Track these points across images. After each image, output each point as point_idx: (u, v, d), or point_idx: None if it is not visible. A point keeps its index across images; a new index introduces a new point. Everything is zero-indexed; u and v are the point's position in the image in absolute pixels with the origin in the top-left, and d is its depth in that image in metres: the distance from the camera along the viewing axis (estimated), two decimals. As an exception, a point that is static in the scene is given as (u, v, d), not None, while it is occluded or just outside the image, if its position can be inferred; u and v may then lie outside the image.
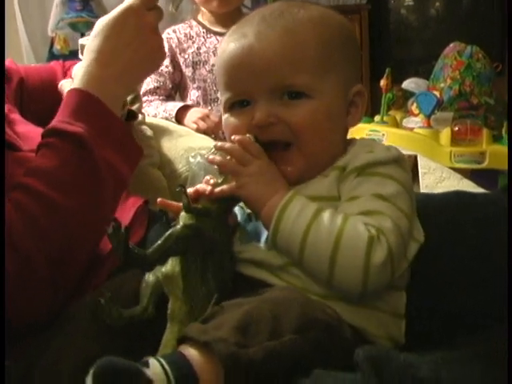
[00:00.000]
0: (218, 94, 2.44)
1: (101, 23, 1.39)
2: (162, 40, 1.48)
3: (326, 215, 1.04)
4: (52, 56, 4.85)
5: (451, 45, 3.29)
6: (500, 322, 1.11)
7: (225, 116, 1.18)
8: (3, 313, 1.09)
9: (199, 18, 2.55)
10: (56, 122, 1.30)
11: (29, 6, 5.06)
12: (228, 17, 2.50)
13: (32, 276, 1.17)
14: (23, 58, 5.05)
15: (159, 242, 1.05)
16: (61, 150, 1.25)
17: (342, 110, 1.16)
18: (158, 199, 1.20)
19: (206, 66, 2.49)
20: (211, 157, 1.14)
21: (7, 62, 1.85)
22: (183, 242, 1.06)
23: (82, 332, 1.06)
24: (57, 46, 4.78)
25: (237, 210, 1.17)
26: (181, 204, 1.11)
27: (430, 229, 1.15)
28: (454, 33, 5.25)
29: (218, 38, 2.52)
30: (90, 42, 1.39)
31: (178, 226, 1.06)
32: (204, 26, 2.54)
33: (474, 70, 3.13)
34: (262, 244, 1.11)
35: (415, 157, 1.64)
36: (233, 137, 1.11)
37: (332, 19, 1.19)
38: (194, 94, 2.50)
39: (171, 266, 1.06)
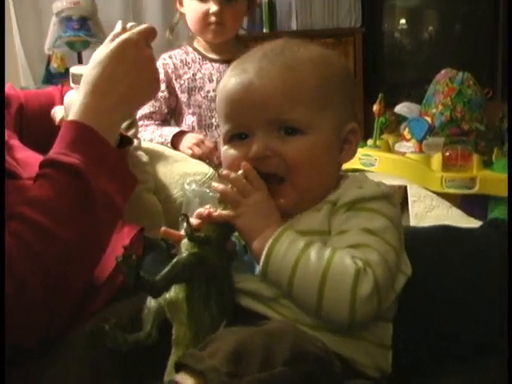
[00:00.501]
0: (213, 120, 2.48)
1: (99, 54, 1.41)
2: (158, 71, 1.49)
3: (314, 250, 1.06)
4: (49, 74, 4.88)
5: (443, 71, 3.31)
6: (490, 353, 1.15)
7: (224, 147, 1.20)
8: (3, 316, 1.11)
9: (195, 44, 2.56)
10: (53, 153, 1.32)
11: (26, 24, 5.08)
12: (223, 45, 2.53)
13: (27, 299, 1.17)
14: (20, 75, 5.07)
15: (166, 269, 1.06)
16: (57, 180, 1.27)
17: (335, 146, 1.18)
18: (162, 228, 1.20)
19: (202, 92, 2.51)
20: (215, 184, 1.16)
21: (7, 88, 1.86)
22: (189, 269, 1.08)
23: (79, 360, 1.10)
24: (53, 64, 4.81)
25: (235, 239, 1.18)
26: (182, 233, 1.13)
27: (417, 262, 1.17)
28: (447, 57, 5.32)
29: (213, 64, 2.53)
30: (87, 73, 1.41)
31: (184, 255, 1.08)
32: (200, 53, 2.55)
33: (465, 96, 3.15)
34: (255, 275, 1.13)
35: (405, 187, 1.67)
36: (243, 163, 1.13)
37: (331, 60, 1.22)
38: (189, 119, 2.51)
39: (175, 292, 1.08)
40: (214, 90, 2.49)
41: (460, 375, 1.10)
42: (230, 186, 1.14)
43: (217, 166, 2.21)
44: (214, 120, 2.49)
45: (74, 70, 1.53)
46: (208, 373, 0.91)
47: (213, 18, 2.44)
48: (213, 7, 2.42)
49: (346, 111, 1.20)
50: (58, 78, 4.88)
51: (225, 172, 1.16)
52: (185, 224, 1.12)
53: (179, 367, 0.96)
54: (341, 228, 1.11)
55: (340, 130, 1.18)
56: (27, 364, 1.16)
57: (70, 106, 1.42)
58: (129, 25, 1.47)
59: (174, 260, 1.08)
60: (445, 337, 1.21)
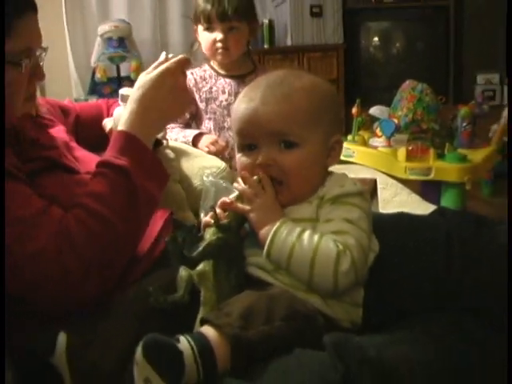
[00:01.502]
0: (225, 124, 2.47)
1: (143, 78, 1.42)
2: (189, 95, 1.52)
3: (306, 235, 1.11)
4: (94, 83, 4.92)
5: (407, 82, 3.30)
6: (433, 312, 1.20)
7: (238, 155, 1.23)
8: (3, 311, 1.11)
9: (211, 63, 2.56)
10: (107, 156, 1.34)
11: (77, 44, 5.11)
12: (232, 64, 2.52)
13: (88, 274, 1.21)
14: (71, 83, 5.09)
15: (200, 248, 1.13)
16: (111, 178, 1.30)
17: (323, 154, 1.21)
18: (204, 220, 1.22)
19: (216, 102, 2.50)
20: (236, 184, 1.21)
21: (67, 102, 1.89)
22: (217, 249, 1.13)
23: (126, 313, 1.13)
24: (98, 75, 4.83)
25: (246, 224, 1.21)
26: (207, 219, 1.19)
27: (382, 243, 1.22)
28: (410, 68, 5.35)
29: (225, 79, 2.53)
30: (133, 94, 1.41)
31: (212, 238, 1.14)
32: (215, 70, 2.55)
33: (423, 102, 3.15)
34: (261, 251, 1.15)
35: (375, 180, 1.70)
36: (258, 174, 1.17)
37: (320, 88, 1.23)
38: (207, 123, 2.51)
39: (203, 266, 1.13)
40: (226, 100, 2.50)
41: (409, 329, 1.14)
42: (247, 186, 1.18)
43: (227, 160, 2.22)
44: (225, 124, 2.48)
45: (123, 91, 1.53)
46: (224, 326, 0.98)
47: (219, 44, 2.42)
48: (218, 35, 2.40)
49: (332, 126, 1.22)
50: (101, 85, 4.92)
51: (245, 175, 1.19)
52: (211, 213, 1.17)
53: (203, 322, 1.02)
54: (326, 217, 1.15)
55: (327, 141, 1.20)
56: (83, 319, 1.17)
57: (119, 119, 1.44)
58: (170, 55, 1.48)
59: (206, 242, 1.13)
60: (402, 301, 1.23)
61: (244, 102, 1.21)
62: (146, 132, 1.39)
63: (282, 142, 1.17)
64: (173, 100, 1.43)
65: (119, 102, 1.61)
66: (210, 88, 2.51)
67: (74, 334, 1.08)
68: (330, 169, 1.25)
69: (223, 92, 2.51)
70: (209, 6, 2.39)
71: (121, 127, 1.39)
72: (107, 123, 1.71)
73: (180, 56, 1.47)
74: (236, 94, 2.47)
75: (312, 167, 1.19)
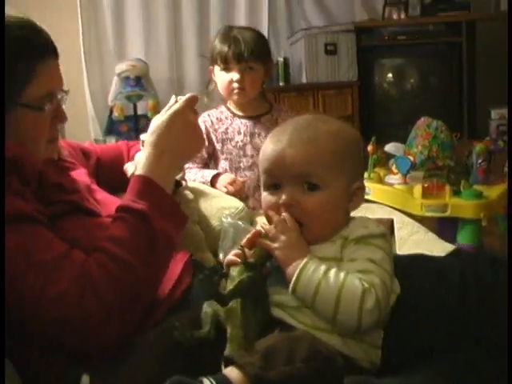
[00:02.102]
0: (241, 164, 2.51)
1: (156, 122, 1.45)
2: (201, 131, 1.52)
3: (332, 273, 1.12)
4: (111, 121, 4.97)
5: (422, 119, 3.28)
6: (449, 352, 1.21)
7: (263, 194, 1.25)
8: (3, 315, 1.12)
9: (228, 104, 2.59)
10: (126, 200, 1.36)
11: (95, 83, 5.18)
12: (248, 104, 2.56)
13: (110, 318, 1.21)
14: (89, 122, 5.15)
15: (231, 287, 1.14)
16: (130, 222, 1.31)
17: (345, 199, 1.22)
18: (227, 258, 1.24)
19: (232, 143, 2.53)
20: (262, 224, 1.23)
21: (88, 144, 1.92)
22: (247, 287, 1.14)
23: (152, 356, 1.13)
24: (115, 113, 4.89)
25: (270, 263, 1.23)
26: (235, 258, 1.20)
27: (399, 284, 1.23)
28: (424, 103, 5.35)
29: (241, 120, 2.56)
30: (148, 138, 1.44)
31: (244, 276, 1.15)
32: (231, 111, 2.58)
33: (438, 139, 3.13)
34: (283, 289, 1.17)
35: (392, 220, 1.71)
36: (283, 214, 1.19)
37: (346, 132, 1.25)
38: (223, 163, 2.53)
39: (232, 303, 1.14)
40: (241, 141, 2.53)
41: (428, 371, 1.15)
42: (272, 224, 1.20)
43: (244, 200, 2.26)
44: (241, 164, 2.51)
45: (144, 137, 1.55)
46: (247, 366, 0.99)
47: (235, 85, 2.46)
48: (235, 76, 2.45)
49: (355, 172, 1.24)
50: (118, 124, 4.98)
51: (271, 213, 1.21)
52: (237, 251, 1.21)
53: (226, 361, 1.04)
54: (351, 257, 1.17)
55: (350, 186, 1.22)
56: (105, 362, 1.18)
57: (139, 163, 1.46)
58: (179, 97, 1.49)
59: (237, 280, 1.15)
60: (421, 342, 1.24)
61: (272, 143, 1.23)
62: (164, 174, 1.41)
63: (305, 183, 1.19)
64: (186, 139, 1.45)
65: (140, 147, 1.64)
66: (226, 129, 2.55)
67: (96, 376, 1.08)
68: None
69: (239, 133, 2.54)
70: (226, 48, 2.44)
71: (138, 171, 1.41)
72: (129, 168, 1.73)
73: (188, 95, 1.49)
74: (251, 135, 2.52)
75: (333, 211, 1.21)
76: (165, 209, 1.37)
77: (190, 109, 1.48)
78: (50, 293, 1.18)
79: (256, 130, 2.54)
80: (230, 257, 1.23)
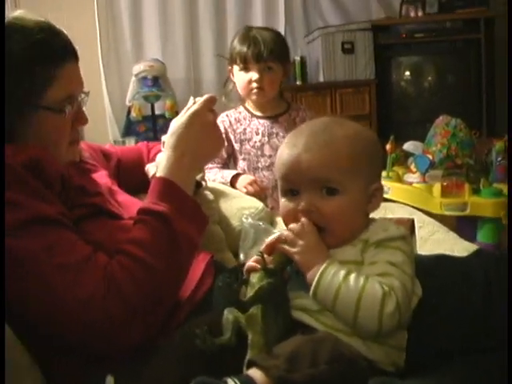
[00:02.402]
0: (259, 164, 2.53)
1: (175, 124, 1.46)
2: (220, 132, 1.53)
3: (352, 277, 1.11)
4: (129, 121, 4.99)
5: (440, 117, 3.28)
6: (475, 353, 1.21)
7: (281, 200, 1.24)
8: (3, 314, 1.11)
9: (246, 105, 2.61)
10: (147, 202, 1.37)
11: (112, 84, 5.19)
12: (266, 104, 2.58)
13: (133, 320, 1.22)
14: (107, 122, 5.17)
15: (251, 294, 1.14)
16: (152, 225, 1.32)
17: (363, 201, 1.21)
18: (248, 265, 1.23)
19: (250, 143, 2.56)
20: (283, 231, 1.21)
21: (108, 146, 1.93)
22: (268, 293, 1.14)
23: (176, 358, 1.13)
24: (133, 114, 4.91)
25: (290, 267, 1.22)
26: (254, 265, 1.20)
27: (422, 285, 1.22)
28: (442, 101, 5.32)
29: (259, 120, 2.58)
30: (167, 139, 1.45)
31: (264, 282, 1.14)
32: (249, 111, 2.60)
33: (457, 137, 3.13)
34: (305, 293, 1.16)
35: (413, 220, 1.70)
36: (302, 219, 1.18)
37: (362, 135, 1.24)
38: (241, 163, 2.56)
39: (253, 309, 1.13)
40: (259, 141, 2.55)
41: (452, 373, 1.16)
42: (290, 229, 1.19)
43: (263, 200, 2.27)
44: (259, 164, 2.54)
45: (165, 138, 1.54)
46: (271, 368, 0.99)
47: (254, 84, 2.49)
48: (254, 75, 2.47)
49: (373, 174, 1.23)
50: (135, 124, 5.00)
51: (288, 220, 1.21)
52: (257, 258, 1.20)
53: (250, 364, 1.04)
54: (371, 260, 1.16)
55: (368, 188, 1.21)
56: (125, 365, 1.19)
57: (160, 164, 1.46)
58: (197, 99, 1.50)
59: (257, 287, 1.14)
60: (444, 343, 1.24)
61: (288, 148, 1.22)
62: (184, 176, 1.42)
63: (324, 188, 1.18)
64: (205, 140, 1.46)
65: (161, 148, 1.63)
66: (244, 129, 2.57)
67: (119, 378, 1.09)
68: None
69: (257, 133, 2.55)
70: (245, 48, 2.46)
71: (159, 173, 1.41)
72: (150, 169, 1.74)
73: (205, 96, 1.50)
74: (269, 135, 2.53)
75: (353, 214, 1.20)
76: (186, 210, 1.37)
77: (209, 109, 1.48)
78: (75, 295, 1.18)
79: (274, 130, 2.56)
80: (250, 263, 1.22)
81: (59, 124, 1.40)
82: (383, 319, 1.09)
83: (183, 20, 5.40)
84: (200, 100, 1.48)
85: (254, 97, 2.53)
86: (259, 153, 2.54)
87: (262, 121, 2.57)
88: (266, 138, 2.55)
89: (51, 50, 1.36)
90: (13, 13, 1.38)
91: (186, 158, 1.42)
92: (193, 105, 1.48)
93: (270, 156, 2.53)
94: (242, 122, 2.57)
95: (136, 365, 1.17)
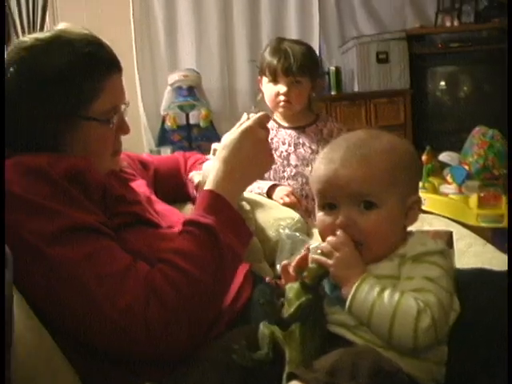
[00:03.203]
0: (285, 173, 2.54)
1: (228, 138, 1.45)
2: (271, 150, 1.53)
3: (387, 293, 1.10)
4: (163, 131, 5.04)
5: (477, 128, 3.27)
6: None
7: (318, 214, 1.23)
8: (3, 314, 1.08)
9: (274, 116, 2.62)
10: (194, 215, 1.36)
11: (147, 94, 5.25)
12: (293, 116, 2.58)
13: (174, 330, 1.22)
14: (142, 132, 5.22)
15: (292, 310, 1.13)
16: (197, 236, 1.31)
17: (401, 215, 1.20)
18: (284, 278, 1.23)
19: (277, 153, 2.54)
20: (323, 245, 1.20)
21: (146, 155, 1.95)
22: (307, 310, 1.13)
23: (216, 368, 1.13)
24: (168, 123, 4.95)
25: (325, 282, 1.21)
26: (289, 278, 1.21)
27: (461, 300, 1.20)
28: (478, 110, 5.29)
29: (286, 131, 2.59)
30: (219, 152, 1.44)
31: (303, 299, 1.14)
32: (277, 122, 2.61)
33: (495, 148, 3.12)
34: (342, 308, 1.15)
35: (451, 233, 1.68)
36: (338, 232, 1.17)
37: (399, 148, 1.23)
38: (268, 173, 2.53)
39: (291, 326, 1.13)
40: (286, 151, 2.55)
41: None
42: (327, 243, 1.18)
43: (300, 212, 2.23)
44: (285, 173, 2.53)
45: (216, 145, 1.57)
46: (312, 381, 0.99)
47: (282, 97, 2.49)
48: (282, 88, 2.48)
49: (410, 186, 1.22)
50: (170, 133, 5.04)
51: (326, 234, 1.20)
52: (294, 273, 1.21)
53: (290, 377, 1.03)
54: (408, 275, 1.14)
55: (406, 201, 1.20)
56: (166, 375, 1.20)
57: (207, 173, 1.48)
58: (251, 115, 1.51)
59: (297, 304, 1.13)
60: (485, 356, 1.21)
61: (324, 164, 1.21)
62: (232, 190, 1.41)
63: (362, 202, 1.17)
64: (256, 156, 1.45)
65: (211, 155, 1.65)
66: (271, 139, 2.55)
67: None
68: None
69: (283, 143, 2.56)
70: (275, 61, 2.47)
71: (208, 186, 1.41)
72: (195, 177, 1.76)
73: (260, 113, 1.50)
74: (296, 145, 2.54)
75: (391, 228, 1.19)
76: (232, 224, 1.37)
77: (262, 126, 1.48)
78: (114, 304, 1.19)
79: (300, 141, 2.57)
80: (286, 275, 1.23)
81: (105, 134, 1.42)
82: (418, 335, 1.08)
83: (218, 30, 5.45)
84: (254, 117, 1.48)
85: (281, 109, 2.55)
86: (285, 162, 2.55)
87: (288, 131, 2.58)
88: (292, 148, 2.56)
89: (98, 62, 1.39)
90: (57, 25, 1.40)
91: (235, 172, 1.42)
92: (246, 120, 1.49)
93: (296, 166, 2.54)
94: (269, 132, 2.57)
95: (175, 376, 1.18)
